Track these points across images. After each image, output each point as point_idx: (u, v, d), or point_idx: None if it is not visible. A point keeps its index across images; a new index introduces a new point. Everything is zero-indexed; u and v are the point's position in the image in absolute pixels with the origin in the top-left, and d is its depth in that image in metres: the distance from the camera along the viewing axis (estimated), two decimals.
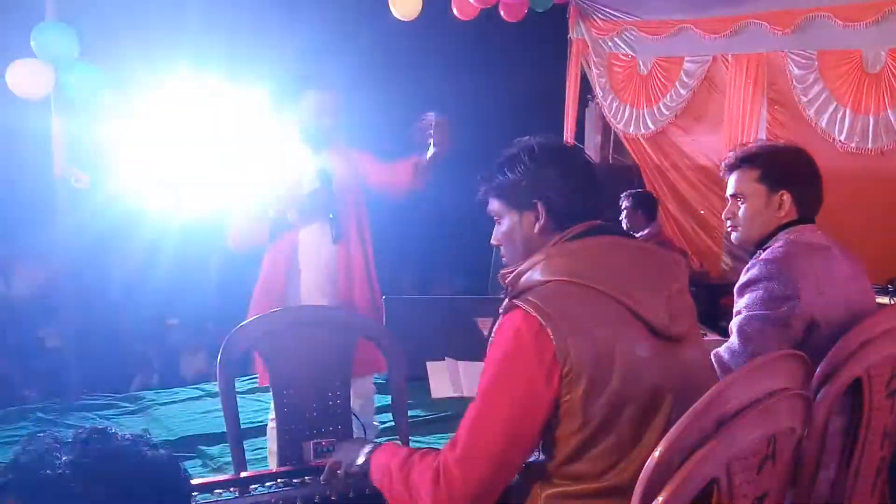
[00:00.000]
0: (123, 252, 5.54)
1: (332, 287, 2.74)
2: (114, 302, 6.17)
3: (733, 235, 2.00)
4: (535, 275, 1.37)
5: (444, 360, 4.44)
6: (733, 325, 1.84)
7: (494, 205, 1.51)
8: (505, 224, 1.50)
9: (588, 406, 1.29)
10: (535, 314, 1.30)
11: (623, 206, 4.71)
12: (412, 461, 1.41)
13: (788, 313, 1.73)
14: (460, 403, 4.31)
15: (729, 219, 1.98)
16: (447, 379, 4.44)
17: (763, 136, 5.04)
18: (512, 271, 1.43)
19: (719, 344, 1.89)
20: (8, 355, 5.66)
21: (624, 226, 4.61)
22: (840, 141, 4.61)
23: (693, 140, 5.54)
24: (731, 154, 1.99)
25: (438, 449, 1.40)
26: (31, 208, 4.59)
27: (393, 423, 3.46)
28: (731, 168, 1.97)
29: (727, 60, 5.18)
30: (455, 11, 5.10)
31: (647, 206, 4.74)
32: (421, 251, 6.66)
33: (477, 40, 5.66)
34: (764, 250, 1.89)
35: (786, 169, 1.93)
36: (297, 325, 2.18)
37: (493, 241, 1.54)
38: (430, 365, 4.42)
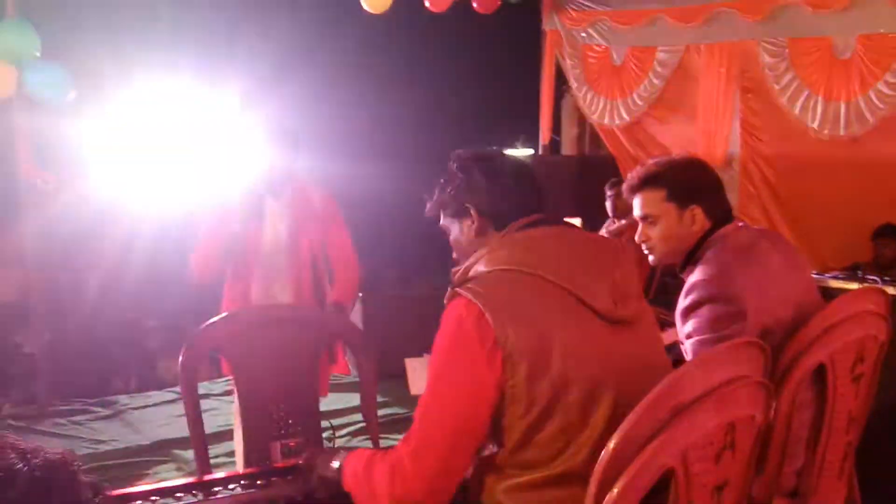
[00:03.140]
0: (97, 254, 5.46)
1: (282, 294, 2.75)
2: (90, 305, 6.09)
3: (651, 258, 1.98)
4: (480, 266, 1.42)
5: (423, 356, 4.45)
6: (686, 352, 1.81)
7: (441, 219, 1.60)
8: (452, 233, 1.58)
9: (531, 389, 1.31)
10: (475, 301, 1.33)
11: (608, 195, 4.73)
12: (374, 461, 1.43)
13: (739, 331, 1.68)
14: None
15: (644, 242, 1.95)
16: (426, 375, 4.45)
17: (737, 125, 5.07)
18: (456, 270, 1.49)
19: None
20: None
21: (610, 213, 4.65)
22: (813, 128, 4.64)
23: (668, 130, 5.56)
24: (631, 175, 1.96)
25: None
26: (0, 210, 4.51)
27: (363, 424, 3.46)
28: (635, 190, 1.94)
29: (700, 50, 5.19)
30: (427, 4, 5.07)
31: None
32: (400, 247, 6.63)
33: (449, 33, 5.64)
34: (693, 266, 1.85)
35: (691, 184, 1.90)
36: (263, 325, 2.15)
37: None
38: (408, 361, 4.39)
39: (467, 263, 1.46)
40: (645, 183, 1.92)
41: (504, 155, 1.63)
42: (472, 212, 1.51)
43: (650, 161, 1.99)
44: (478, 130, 5.97)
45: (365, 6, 4.73)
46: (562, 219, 1.55)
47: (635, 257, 1.64)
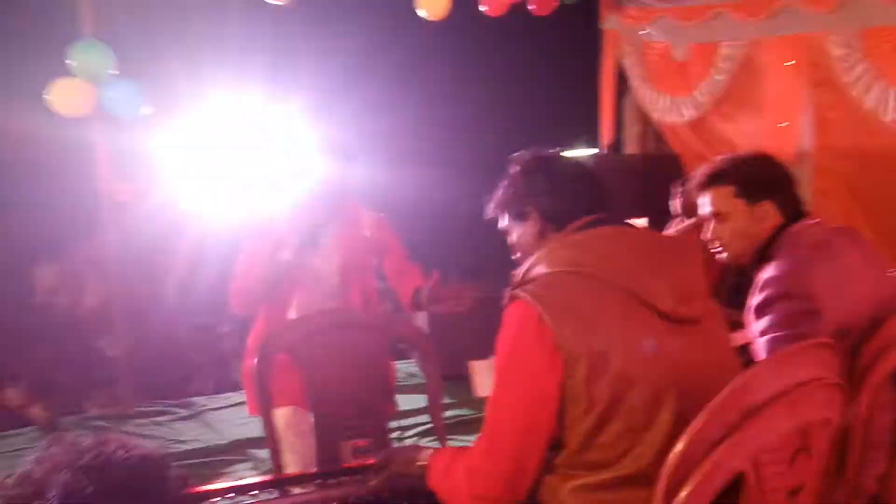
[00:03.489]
0: (172, 262, 5.70)
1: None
2: (167, 311, 6.35)
3: (721, 256, 1.93)
4: (538, 268, 1.43)
5: (488, 358, 4.47)
6: (758, 350, 1.76)
7: (502, 221, 1.61)
8: (513, 235, 1.59)
9: (590, 389, 1.31)
10: (534, 303, 1.34)
11: (675, 193, 4.67)
12: (454, 459, 1.47)
13: (813, 329, 1.63)
14: None
15: (714, 240, 1.91)
16: (491, 377, 4.47)
17: (809, 118, 4.90)
18: (516, 272, 1.50)
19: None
20: (70, 366, 5.88)
21: (678, 212, 4.59)
22: (888, 121, 4.45)
23: (734, 126, 5.41)
24: (699, 172, 1.93)
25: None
26: (81, 223, 4.75)
27: (430, 424, 3.50)
28: (703, 187, 1.90)
29: (766, 44, 5.04)
30: (483, 8, 5.09)
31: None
32: (463, 250, 6.67)
33: (506, 37, 5.64)
34: (766, 262, 1.80)
35: (760, 178, 1.86)
36: (332, 328, 2.22)
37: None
38: (473, 364, 4.44)
39: (526, 265, 1.46)
40: (713, 180, 1.89)
41: (564, 156, 1.64)
42: (533, 214, 1.53)
43: (717, 158, 1.96)
44: (538, 133, 5.92)
45: (422, 13, 4.78)
46: (623, 218, 1.54)
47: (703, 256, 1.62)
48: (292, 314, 2.46)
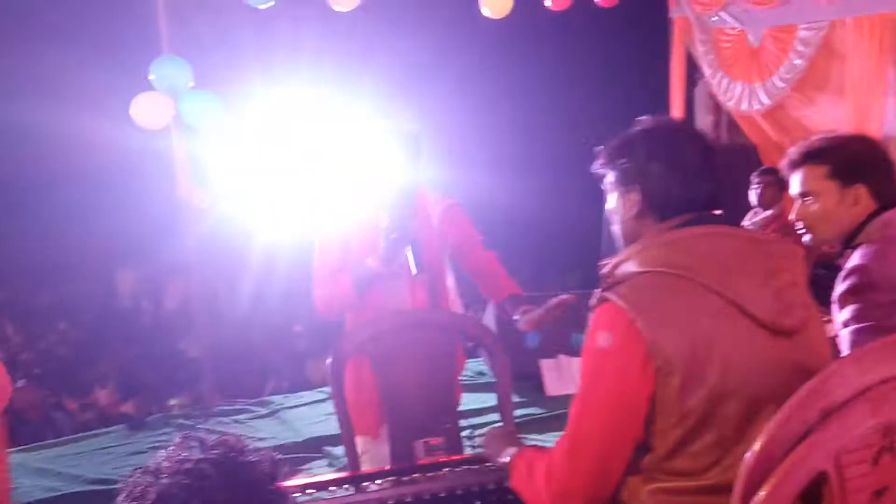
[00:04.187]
0: (247, 265, 5.89)
1: None
2: (243, 312, 6.58)
3: (806, 238, 1.84)
4: (630, 266, 1.34)
5: (557, 357, 4.43)
6: (842, 342, 1.70)
7: (605, 176, 1.47)
8: (609, 201, 1.46)
9: (683, 402, 1.26)
10: (625, 307, 1.27)
11: (755, 183, 4.52)
12: (536, 459, 1.44)
13: None
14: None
15: (800, 221, 1.82)
16: (561, 376, 4.43)
17: (892, 102, 4.66)
18: (609, 261, 1.40)
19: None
20: (154, 366, 6.17)
21: (755, 203, 4.45)
22: None
23: (814, 112, 5.19)
24: (792, 150, 1.82)
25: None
26: (161, 230, 4.96)
27: (501, 423, 3.49)
28: (795, 165, 1.81)
29: (847, 24, 4.82)
30: (548, 3, 5.05)
31: (777, 186, 4.53)
32: (532, 247, 6.64)
33: (572, 31, 5.58)
34: (853, 250, 1.73)
35: (857, 161, 1.76)
36: (404, 328, 2.25)
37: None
38: (543, 363, 4.43)
39: (617, 259, 1.37)
40: (807, 158, 1.80)
41: (698, 136, 1.46)
42: (637, 194, 1.39)
43: (814, 136, 1.86)
44: (606, 126, 5.86)
45: (485, 12, 4.79)
46: (724, 216, 1.41)
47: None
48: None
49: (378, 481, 1.81)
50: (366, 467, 2.26)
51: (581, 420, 1.34)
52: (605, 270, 1.39)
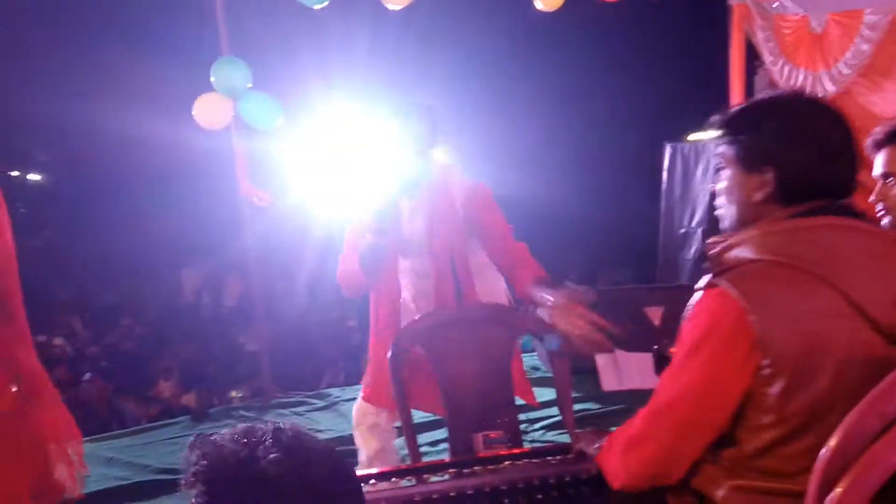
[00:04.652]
0: (304, 261, 6.00)
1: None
2: (300, 307, 6.70)
3: (885, 221, 1.76)
4: (745, 252, 1.25)
5: (613, 352, 4.38)
6: None
7: (724, 149, 1.34)
8: (728, 176, 1.34)
9: (786, 403, 1.19)
10: (736, 296, 1.19)
11: None
12: (616, 435, 1.42)
13: None
14: (632, 396, 4.22)
15: (881, 202, 1.74)
16: (617, 371, 4.38)
17: None
18: (719, 242, 1.31)
19: None
20: (216, 360, 6.34)
21: None
22: None
23: (882, 98, 4.99)
24: (877, 130, 1.74)
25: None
26: (222, 228, 5.09)
27: (559, 418, 3.47)
28: (880, 145, 1.73)
29: None
30: None
31: None
32: (584, 243, 6.57)
33: (626, 22, 5.49)
34: None
35: None
36: (461, 322, 2.26)
37: (715, 187, 1.41)
38: (599, 358, 4.38)
39: (730, 242, 1.28)
40: (893, 137, 1.73)
41: (835, 119, 1.30)
42: (769, 175, 1.26)
43: None
44: (661, 117, 5.77)
45: (538, 5, 4.75)
46: (853, 208, 1.29)
47: None
48: (405, 295, 2.45)
49: (440, 473, 1.83)
50: (374, 438, 2.44)
51: (667, 397, 1.30)
52: (712, 251, 1.32)
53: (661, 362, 2.02)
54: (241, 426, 0.93)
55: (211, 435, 0.91)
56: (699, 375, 1.25)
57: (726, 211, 1.36)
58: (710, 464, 1.32)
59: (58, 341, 6.99)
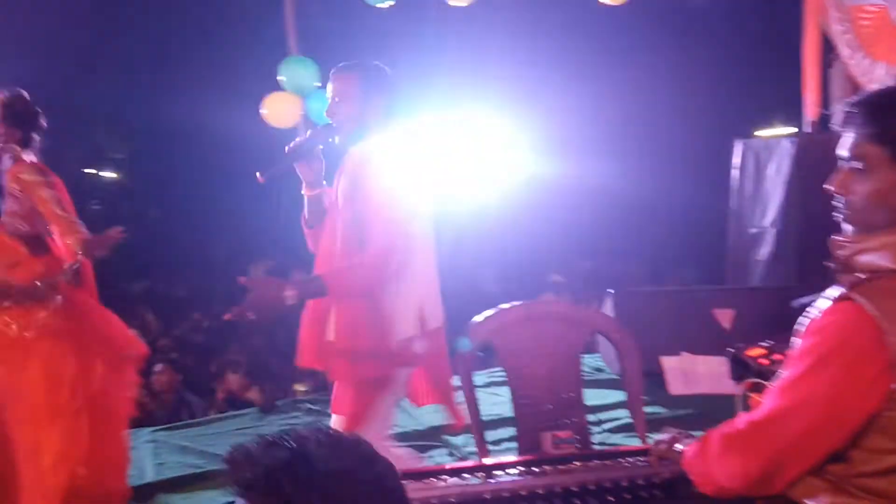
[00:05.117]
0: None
1: None
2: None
3: None
4: (881, 259, 1.17)
5: (680, 354, 4.28)
6: None
7: (866, 149, 1.21)
8: (871, 178, 1.21)
9: None
10: (874, 314, 1.12)
11: None
12: (710, 439, 1.37)
13: None
14: (699, 400, 4.12)
15: None
16: (684, 375, 4.28)
17: None
18: (848, 242, 1.24)
19: None
20: (282, 354, 6.48)
21: None
22: None
23: None
24: None
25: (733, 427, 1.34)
26: (291, 224, 5.18)
27: (624, 420, 3.43)
28: None
29: None
30: None
31: None
32: (652, 242, 6.45)
33: (696, 14, 5.37)
34: None
35: None
36: (527, 320, 2.25)
37: (834, 187, 1.28)
38: (665, 360, 4.29)
39: (864, 246, 1.20)
40: None
41: None
42: None
43: None
44: (730, 112, 5.62)
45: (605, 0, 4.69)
46: None
47: None
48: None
49: (510, 471, 1.83)
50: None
51: (780, 407, 1.23)
52: (841, 252, 1.23)
53: (739, 367, 1.97)
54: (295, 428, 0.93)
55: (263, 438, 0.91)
56: (822, 391, 1.18)
57: (863, 216, 1.23)
58: (815, 477, 1.26)
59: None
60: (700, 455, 1.37)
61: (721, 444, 1.30)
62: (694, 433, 1.63)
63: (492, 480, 1.80)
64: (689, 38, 5.67)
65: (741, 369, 1.92)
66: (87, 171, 11.38)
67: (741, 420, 1.29)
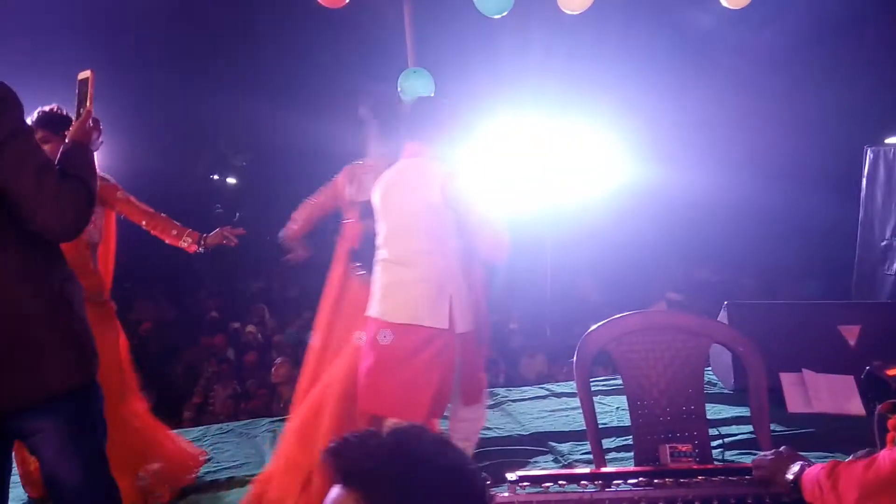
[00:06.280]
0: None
1: None
2: None
3: None
4: None
5: (800, 371, 4.07)
6: None
7: None
8: None
9: None
10: None
11: None
12: (838, 471, 1.36)
13: None
14: (821, 420, 3.92)
15: None
16: (804, 392, 4.07)
17: None
18: None
19: None
20: None
21: None
22: None
23: None
24: None
25: (862, 458, 1.33)
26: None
27: (745, 437, 3.31)
28: None
29: None
30: None
31: None
32: (764, 255, 6.19)
33: (820, 18, 5.12)
34: None
35: None
36: (647, 330, 2.24)
37: None
38: (784, 377, 4.10)
39: None
40: None
41: None
42: None
43: None
44: (863, 117, 5.31)
45: (724, 3, 4.56)
46: None
47: None
48: None
49: (629, 480, 1.83)
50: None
51: None
52: None
53: (874, 386, 1.89)
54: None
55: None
56: None
57: None
58: None
59: (250, 328, 7.67)
60: (831, 492, 1.33)
61: (857, 484, 1.26)
62: (804, 453, 1.57)
63: (610, 489, 1.81)
64: (815, 44, 5.41)
65: (877, 389, 1.83)
66: (213, 177, 12.12)
67: (886, 460, 1.23)
